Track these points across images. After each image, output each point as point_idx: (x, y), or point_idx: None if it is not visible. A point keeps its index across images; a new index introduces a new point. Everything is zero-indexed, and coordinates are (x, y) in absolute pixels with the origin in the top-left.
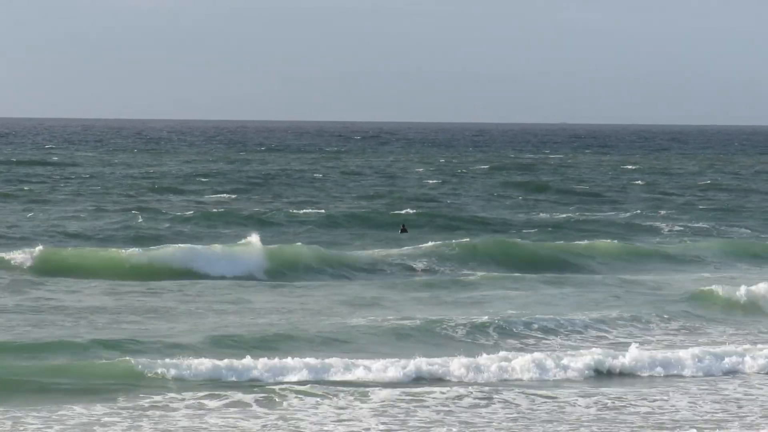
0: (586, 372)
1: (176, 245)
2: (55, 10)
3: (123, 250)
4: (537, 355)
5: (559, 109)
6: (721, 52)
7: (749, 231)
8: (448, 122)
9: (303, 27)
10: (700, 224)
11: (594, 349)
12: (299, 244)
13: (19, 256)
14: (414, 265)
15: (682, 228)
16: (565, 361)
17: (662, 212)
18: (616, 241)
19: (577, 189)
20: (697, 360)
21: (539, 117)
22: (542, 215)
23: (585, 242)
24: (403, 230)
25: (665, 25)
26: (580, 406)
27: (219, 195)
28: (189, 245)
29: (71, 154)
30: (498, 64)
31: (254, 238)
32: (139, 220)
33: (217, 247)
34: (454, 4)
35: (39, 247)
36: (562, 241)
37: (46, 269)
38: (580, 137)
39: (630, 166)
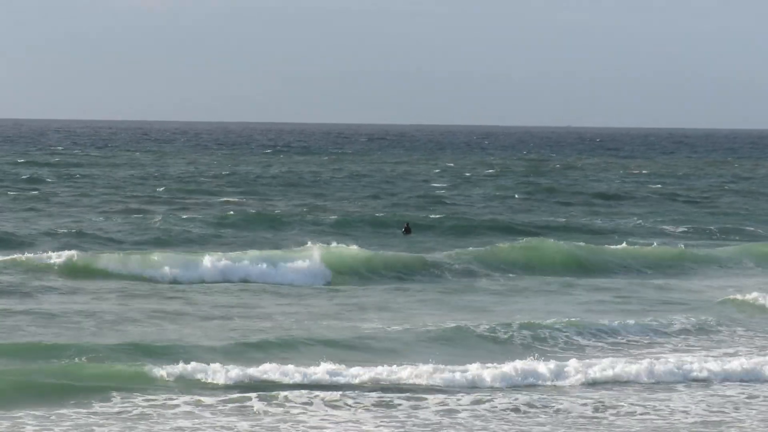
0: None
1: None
2: (55, 10)
3: (156, 254)
4: (562, 362)
5: (560, 110)
6: (722, 52)
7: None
8: (447, 124)
9: (303, 27)
10: (713, 227)
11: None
12: (355, 247)
13: (44, 258)
14: (458, 269)
15: (697, 231)
16: (589, 369)
17: (677, 216)
18: (638, 245)
19: (587, 192)
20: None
21: (541, 119)
22: (552, 218)
23: (611, 246)
24: (407, 230)
25: (666, 25)
26: (579, 409)
27: (229, 197)
28: (248, 252)
29: (79, 156)
30: (498, 64)
31: (313, 245)
32: (156, 221)
33: (274, 253)
34: (454, 4)
35: (72, 252)
36: (582, 243)
37: (69, 272)
38: (585, 140)
39: (639, 170)
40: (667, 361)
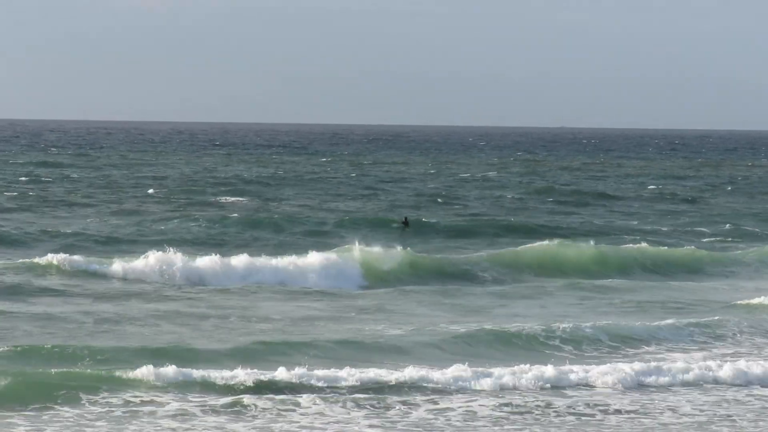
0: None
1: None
2: (55, 10)
3: (198, 257)
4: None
5: (560, 111)
6: (722, 52)
7: None
8: (446, 125)
9: (303, 27)
10: (710, 229)
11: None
12: (398, 248)
13: (41, 259)
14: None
15: (694, 232)
16: (590, 371)
17: (676, 216)
18: (648, 245)
19: (585, 191)
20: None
21: (540, 119)
22: (549, 217)
23: (625, 246)
24: (405, 223)
25: (666, 25)
26: (572, 410)
27: (228, 197)
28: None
29: (76, 156)
30: (498, 64)
31: (355, 246)
32: (154, 222)
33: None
34: (454, 4)
35: (70, 255)
36: (601, 245)
37: (67, 274)
38: (581, 140)
39: (637, 170)
40: (671, 363)
